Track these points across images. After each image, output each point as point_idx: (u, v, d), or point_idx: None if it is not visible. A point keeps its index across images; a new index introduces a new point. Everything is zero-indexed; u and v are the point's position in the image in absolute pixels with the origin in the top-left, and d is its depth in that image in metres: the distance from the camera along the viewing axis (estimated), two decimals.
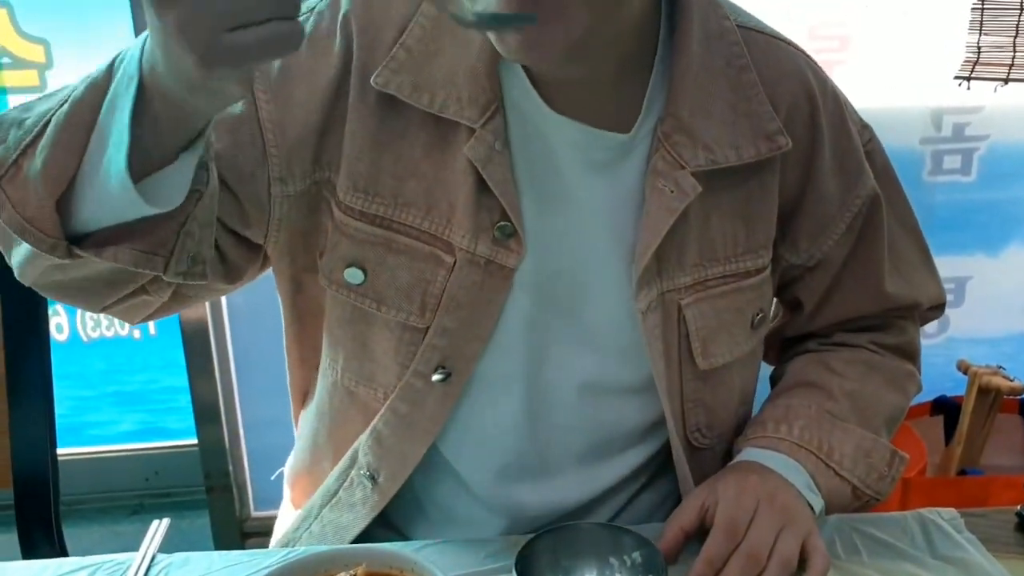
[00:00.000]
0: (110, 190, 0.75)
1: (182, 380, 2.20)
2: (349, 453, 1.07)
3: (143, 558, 0.99)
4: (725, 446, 1.10)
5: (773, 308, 1.17)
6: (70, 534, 1.58)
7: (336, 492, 1.09)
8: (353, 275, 0.97)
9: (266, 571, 0.87)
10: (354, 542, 1.08)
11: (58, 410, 1.36)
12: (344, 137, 0.94)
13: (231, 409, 2.03)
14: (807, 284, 1.10)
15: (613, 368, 1.01)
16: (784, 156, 0.99)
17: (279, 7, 0.63)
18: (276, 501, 1.30)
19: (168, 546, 1.01)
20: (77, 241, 0.79)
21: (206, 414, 2.03)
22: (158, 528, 1.04)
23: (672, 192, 0.93)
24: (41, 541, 1.31)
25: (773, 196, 1.01)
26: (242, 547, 2.07)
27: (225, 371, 2.02)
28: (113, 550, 1.03)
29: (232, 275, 1.01)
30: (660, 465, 1.11)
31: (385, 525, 1.13)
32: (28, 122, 0.80)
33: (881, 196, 1.07)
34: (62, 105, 0.79)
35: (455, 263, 0.95)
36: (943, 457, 2.10)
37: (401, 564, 0.90)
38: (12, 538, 1.36)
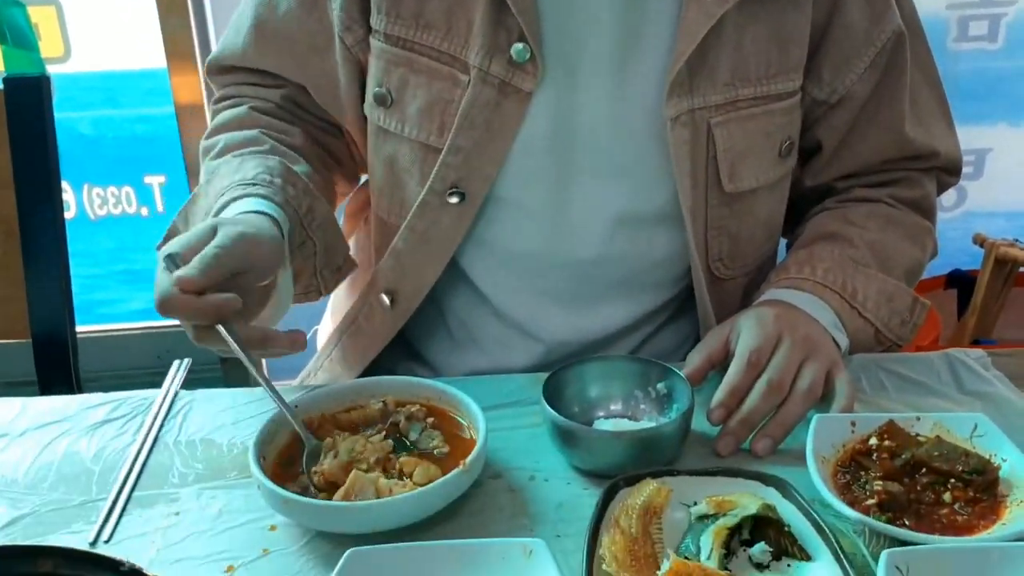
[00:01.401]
0: None
1: None
2: (368, 281, 1.07)
3: (166, 393, 0.99)
4: (747, 280, 1.10)
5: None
6: None
7: (355, 319, 1.10)
8: (383, 96, 1.00)
9: (291, 400, 0.87)
10: (373, 366, 1.08)
11: None
12: None
13: None
14: (829, 123, 1.08)
15: (640, 195, 1.00)
16: None
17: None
18: (292, 371, 1.30)
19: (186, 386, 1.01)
20: None
21: None
22: (180, 366, 1.04)
23: (708, 2, 0.91)
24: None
25: (807, 17, 0.99)
26: None
27: None
28: None
29: (350, 174, 1.15)
30: (684, 301, 1.11)
31: (406, 352, 1.13)
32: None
33: (906, 36, 1.04)
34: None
35: (469, 82, 0.95)
36: (956, 330, 2.10)
37: (429, 394, 0.90)
38: None
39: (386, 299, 1.06)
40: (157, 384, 1.02)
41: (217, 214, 0.90)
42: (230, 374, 2.10)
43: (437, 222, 1.01)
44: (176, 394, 0.99)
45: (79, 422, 0.95)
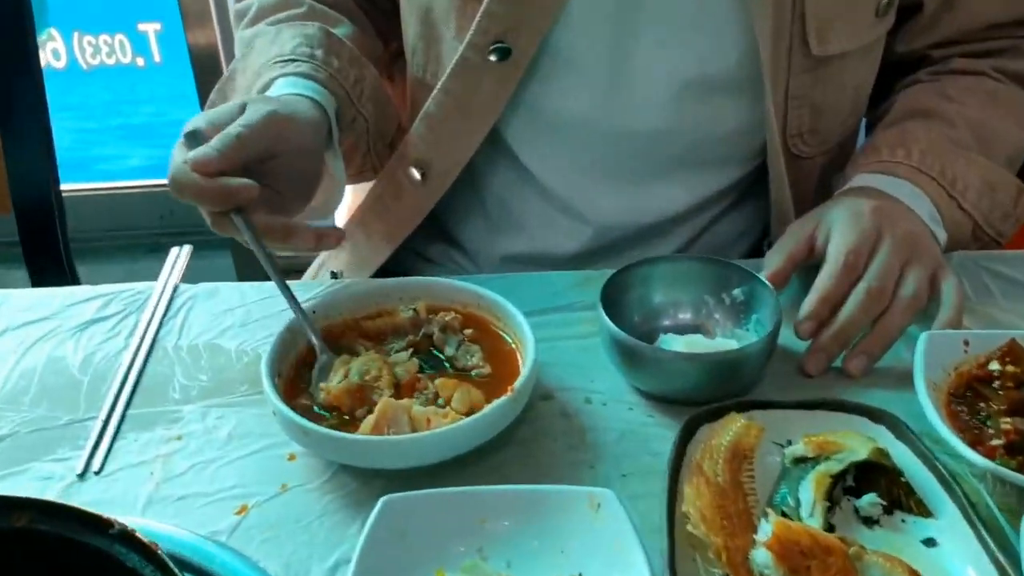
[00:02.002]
0: None
1: (193, 113, 2.03)
2: (396, 152, 0.94)
3: (163, 287, 0.86)
4: (826, 159, 0.96)
5: None
6: (86, 272, 1.48)
7: (380, 196, 0.96)
8: None
9: (309, 303, 0.75)
10: (401, 249, 0.96)
11: (61, 143, 1.22)
12: None
13: None
14: None
15: (714, 55, 0.86)
16: None
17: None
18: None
19: (189, 278, 0.89)
20: None
21: None
22: (179, 255, 0.91)
23: None
24: (52, 277, 1.19)
25: None
26: None
27: None
28: None
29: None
30: (753, 182, 0.98)
31: (438, 232, 1.01)
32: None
33: None
34: None
35: None
36: None
37: (465, 298, 0.77)
38: (24, 275, 1.25)
39: (416, 173, 0.92)
40: (159, 249, 0.91)
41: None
42: (241, 257, 1.97)
43: (477, 83, 0.86)
44: (176, 288, 0.87)
45: (64, 320, 0.83)
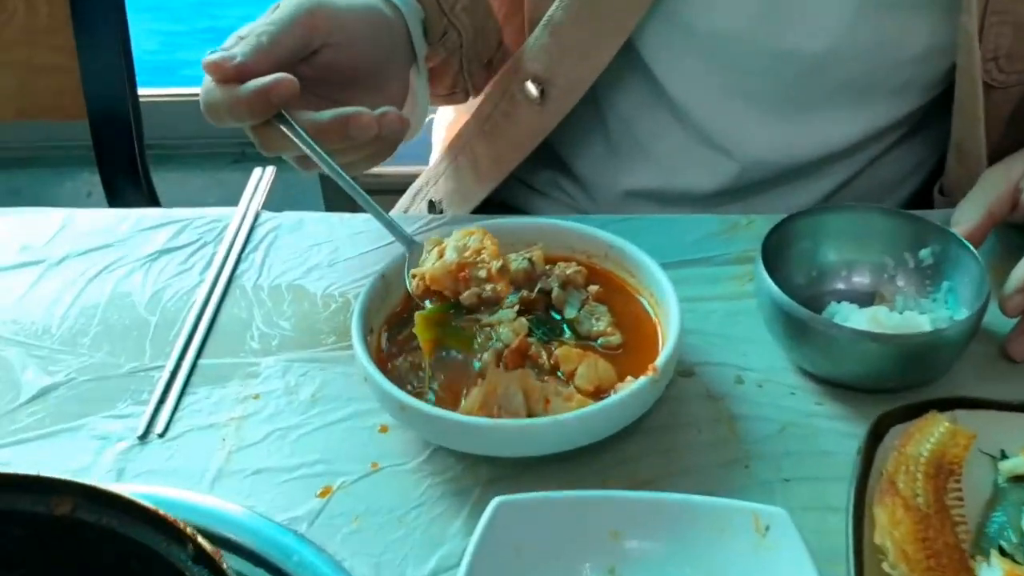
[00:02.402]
0: None
1: None
2: (510, 64, 0.81)
3: (244, 215, 0.76)
4: (1022, 90, 0.79)
5: None
6: (169, 179, 1.40)
7: (489, 115, 0.83)
8: None
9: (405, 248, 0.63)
10: (509, 180, 0.84)
11: (145, 46, 1.13)
12: None
13: None
14: None
15: None
16: None
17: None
18: (402, 155, 1.06)
19: (273, 203, 0.79)
20: None
21: None
22: (261, 178, 0.80)
23: None
24: (127, 187, 1.11)
25: None
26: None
27: None
28: (216, 199, 0.82)
29: None
30: (928, 113, 0.82)
31: (547, 157, 0.88)
32: None
33: None
34: None
35: None
36: None
37: (590, 246, 0.65)
38: (97, 181, 1.17)
39: (534, 89, 0.79)
40: (244, 160, 0.81)
41: None
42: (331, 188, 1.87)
43: None
44: (257, 216, 0.76)
45: (132, 249, 0.73)
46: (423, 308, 0.59)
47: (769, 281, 0.58)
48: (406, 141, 0.65)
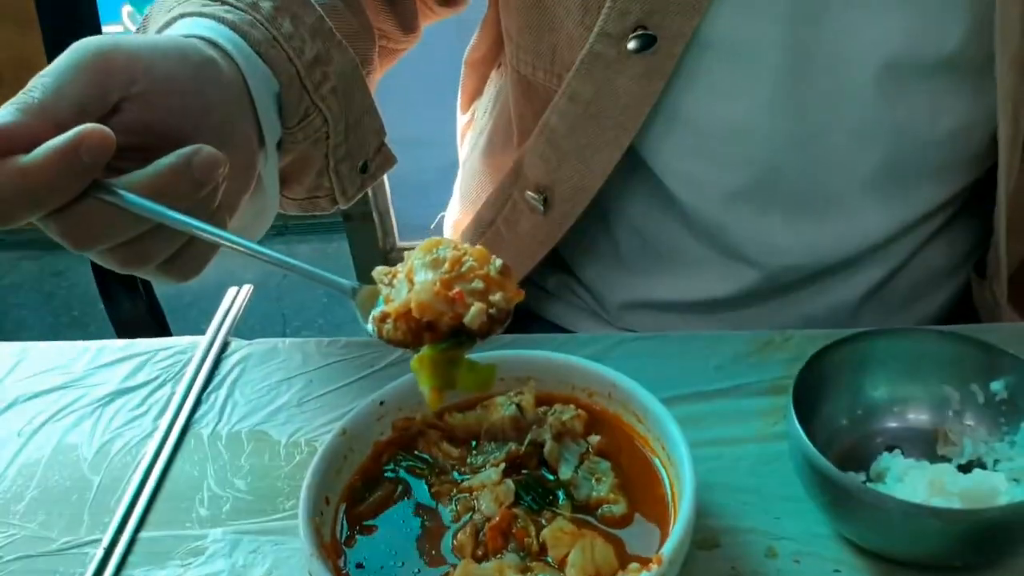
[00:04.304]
0: None
1: None
2: (511, 168, 0.73)
3: (210, 344, 0.67)
4: None
5: None
6: (216, 256, 1.35)
7: (492, 223, 0.76)
8: None
9: (376, 396, 0.54)
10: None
11: None
12: None
13: None
14: None
15: (934, 28, 0.62)
16: None
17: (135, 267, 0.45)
18: (423, 230, 1.01)
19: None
20: None
21: None
22: (235, 298, 0.72)
23: None
24: (119, 288, 1.03)
25: None
26: None
27: None
28: (253, 274, 0.74)
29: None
30: (968, 200, 0.72)
31: (557, 262, 0.80)
32: None
33: None
34: None
35: None
36: None
37: (593, 384, 0.55)
38: None
39: (537, 199, 0.70)
40: (287, 233, 0.81)
41: None
42: (353, 232, 1.81)
43: (611, 84, 0.64)
44: (225, 346, 0.68)
45: (87, 389, 0.65)
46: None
47: (803, 436, 0.47)
48: (251, 236, 0.54)
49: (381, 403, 0.54)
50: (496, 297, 0.45)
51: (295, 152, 0.60)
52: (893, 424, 0.54)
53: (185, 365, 0.66)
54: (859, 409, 0.54)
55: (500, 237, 0.76)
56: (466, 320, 0.43)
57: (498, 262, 0.46)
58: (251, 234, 0.58)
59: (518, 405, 0.54)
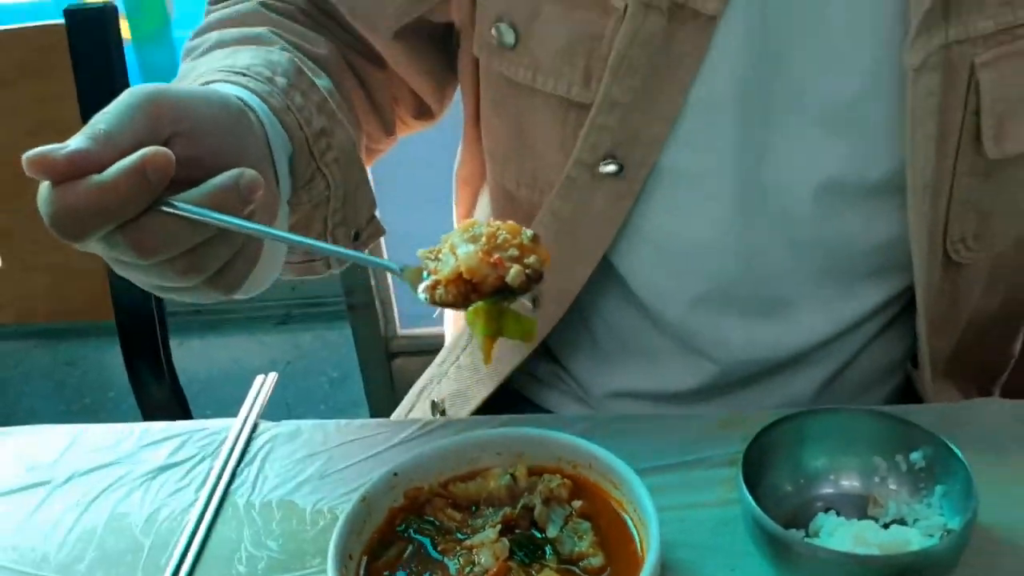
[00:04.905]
0: None
1: None
2: None
3: (242, 427, 0.77)
4: (992, 263, 0.79)
5: None
6: (220, 344, 1.45)
7: None
8: (504, 34, 0.74)
9: (390, 467, 0.63)
10: (511, 377, 0.85)
11: None
12: None
13: None
14: None
15: (862, 157, 0.73)
16: None
17: (186, 280, 0.51)
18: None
19: (314, 358, 0.81)
20: None
21: None
22: (262, 386, 0.82)
23: None
24: (147, 375, 1.13)
25: None
26: (388, 367, 1.91)
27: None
28: (262, 360, 0.83)
29: (428, 113, 0.89)
30: (908, 302, 0.81)
31: (546, 354, 0.89)
32: None
33: None
34: None
35: (626, 8, 0.67)
36: None
37: (576, 458, 0.65)
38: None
39: (527, 300, 0.80)
40: (291, 322, 0.82)
41: None
42: (357, 321, 1.90)
43: (587, 204, 0.74)
44: (255, 427, 0.77)
45: (135, 465, 0.75)
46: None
47: (751, 501, 0.57)
48: (246, 293, 0.60)
49: (395, 474, 0.64)
50: (531, 260, 0.53)
51: (298, 213, 0.67)
52: (830, 490, 0.63)
53: (220, 444, 0.76)
54: (801, 477, 0.63)
55: None
56: (508, 279, 0.51)
57: (529, 232, 0.54)
58: (259, 282, 0.64)
59: (512, 475, 0.63)
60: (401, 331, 1.92)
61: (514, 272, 0.51)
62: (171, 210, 0.48)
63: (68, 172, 0.46)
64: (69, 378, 2.37)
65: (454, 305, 0.52)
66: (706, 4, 0.67)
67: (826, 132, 0.72)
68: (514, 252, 0.53)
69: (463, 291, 0.52)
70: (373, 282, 1.87)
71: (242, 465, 0.74)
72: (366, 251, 0.76)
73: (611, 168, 0.72)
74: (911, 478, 0.62)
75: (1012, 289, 0.82)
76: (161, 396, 1.12)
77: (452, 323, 0.99)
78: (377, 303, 1.88)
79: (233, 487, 0.72)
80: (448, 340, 0.95)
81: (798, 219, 0.74)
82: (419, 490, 0.64)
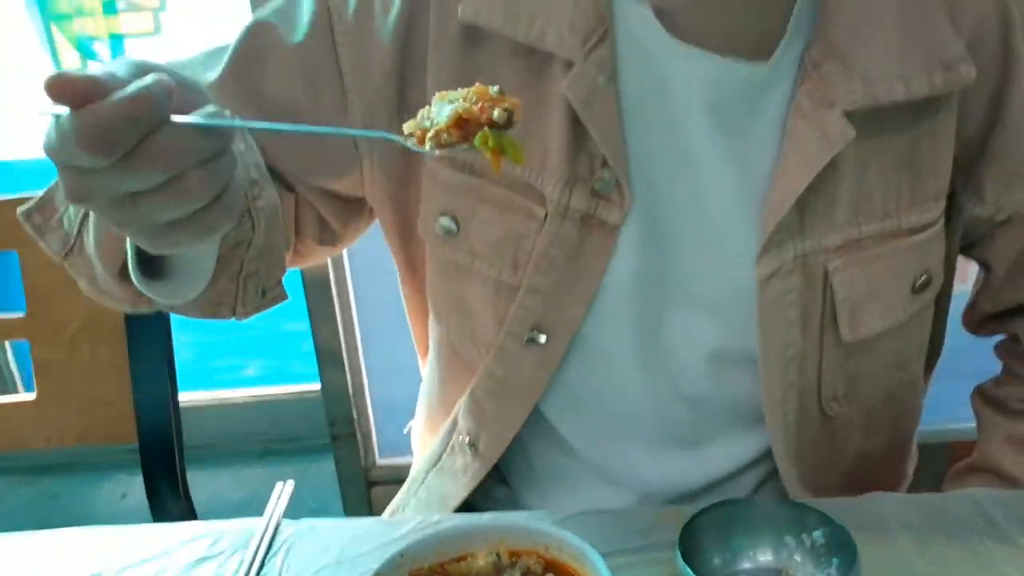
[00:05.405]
0: (137, 278, 0.70)
1: (306, 325, 2.16)
2: (451, 417, 0.98)
3: (267, 525, 0.92)
4: (865, 414, 0.93)
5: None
6: (199, 478, 1.55)
7: (440, 457, 1.00)
8: (446, 225, 0.87)
9: (397, 549, 0.79)
10: (458, 510, 0.99)
11: (183, 356, 1.32)
12: (427, 76, 0.83)
13: (354, 355, 1.97)
14: (996, 244, 0.91)
15: (740, 338, 0.87)
16: (965, 90, 0.79)
17: (192, 203, 0.54)
18: (402, 449, 1.24)
19: (294, 494, 0.95)
20: None
21: (329, 360, 1.97)
22: (283, 491, 0.97)
23: (816, 139, 0.76)
24: (167, 493, 1.27)
25: (949, 138, 0.82)
26: (368, 496, 2.03)
27: (347, 316, 1.96)
28: (240, 495, 0.97)
29: (333, 238, 0.96)
30: None
31: (498, 479, 1.03)
32: None
33: None
34: None
35: (546, 217, 0.83)
36: None
37: (548, 542, 0.80)
38: (141, 481, 1.33)
39: (468, 445, 0.97)
40: (269, 456, 0.95)
41: None
42: (339, 452, 2.03)
43: (517, 367, 0.90)
44: (278, 525, 0.92)
45: (179, 557, 0.89)
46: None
47: (688, 571, 0.73)
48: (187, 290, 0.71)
49: (401, 555, 0.78)
50: (505, 105, 0.62)
51: (221, 248, 0.73)
52: (749, 565, 0.79)
53: (250, 539, 0.90)
54: (727, 553, 0.79)
55: (445, 469, 0.99)
56: (495, 118, 0.61)
57: (495, 88, 0.62)
58: (191, 281, 0.72)
59: (497, 554, 0.79)
60: (380, 461, 2.06)
61: (498, 112, 0.62)
62: (182, 121, 0.52)
63: (92, 93, 0.50)
64: (51, 515, 2.43)
65: (456, 143, 0.62)
66: (610, 216, 0.81)
67: (708, 315, 0.86)
68: (488, 104, 0.63)
69: (463, 133, 0.62)
70: (355, 414, 2.01)
71: (269, 555, 0.88)
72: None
73: (537, 339, 0.87)
74: (815, 553, 0.78)
75: (891, 430, 0.98)
76: (178, 511, 1.25)
77: (416, 425, 1.12)
78: (358, 434, 2.02)
79: (263, 574, 0.86)
80: (410, 475, 1.07)
81: (692, 378, 0.89)
82: (420, 569, 0.79)
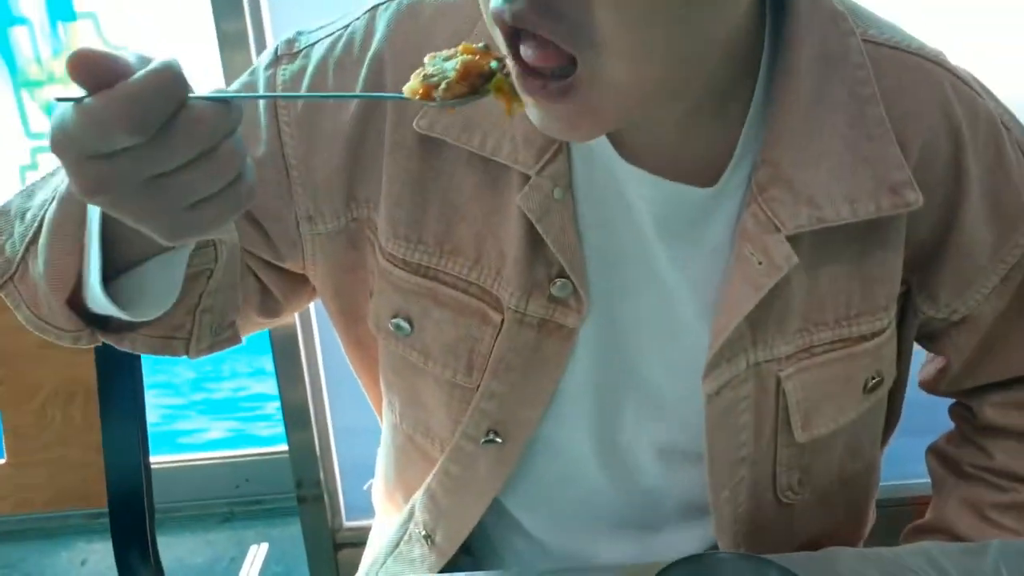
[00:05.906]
0: (97, 296, 0.68)
1: (271, 386, 2.17)
2: (408, 506, 0.99)
3: None
4: (820, 498, 0.95)
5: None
6: (164, 542, 1.55)
7: (397, 544, 1.01)
8: (399, 326, 0.87)
9: None
10: None
11: (148, 419, 1.33)
12: (382, 176, 0.83)
13: (321, 416, 1.97)
14: (953, 341, 0.93)
15: (691, 435, 0.88)
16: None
17: (224, 176, 0.54)
18: (369, 510, 1.25)
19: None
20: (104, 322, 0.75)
21: (296, 421, 1.97)
22: (256, 554, 0.98)
23: (760, 264, 0.77)
24: (136, 559, 1.27)
25: (897, 252, 0.83)
26: (335, 558, 2.02)
27: (315, 378, 1.96)
28: (205, 558, 0.98)
29: (275, 308, 0.94)
30: None
31: (464, 549, 1.03)
32: (29, 214, 0.75)
33: None
34: (54, 199, 0.71)
35: (503, 322, 0.83)
36: None
37: None
38: (110, 547, 1.32)
39: (425, 539, 0.98)
40: (234, 519, 0.95)
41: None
42: (306, 514, 2.02)
43: (474, 467, 0.91)
44: None
45: None
46: None
47: None
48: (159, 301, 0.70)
49: None
50: (495, 56, 0.65)
51: (190, 269, 0.72)
52: None
53: None
54: None
55: (403, 556, 1.00)
56: (493, 67, 0.65)
57: (481, 44, 0.66)
58: (169, 291, 0.72)
59: None
60: (347, 523, 2.04)
61: (495, 63, 0.65)
62: (202, 96, 0.51)
63: (115, 70, 0.49)
64: None
65: (466, 94, 0.64)
66: (567, 319, 0.82)
67: (661, 415, 0.88)
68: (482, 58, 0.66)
69: (471, 84, 0.64)
70: (322, 475, 2.01)
71: None
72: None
73: (493, 441, 0.87)
74: None
75: (848, 506, 1.00)
76: None
77: (376, 487, 1.11)
78: (325, 496, 2.01)
79: None
80: (368, 557, 1.07)
81: (646, 471, 0.91)
82: None
